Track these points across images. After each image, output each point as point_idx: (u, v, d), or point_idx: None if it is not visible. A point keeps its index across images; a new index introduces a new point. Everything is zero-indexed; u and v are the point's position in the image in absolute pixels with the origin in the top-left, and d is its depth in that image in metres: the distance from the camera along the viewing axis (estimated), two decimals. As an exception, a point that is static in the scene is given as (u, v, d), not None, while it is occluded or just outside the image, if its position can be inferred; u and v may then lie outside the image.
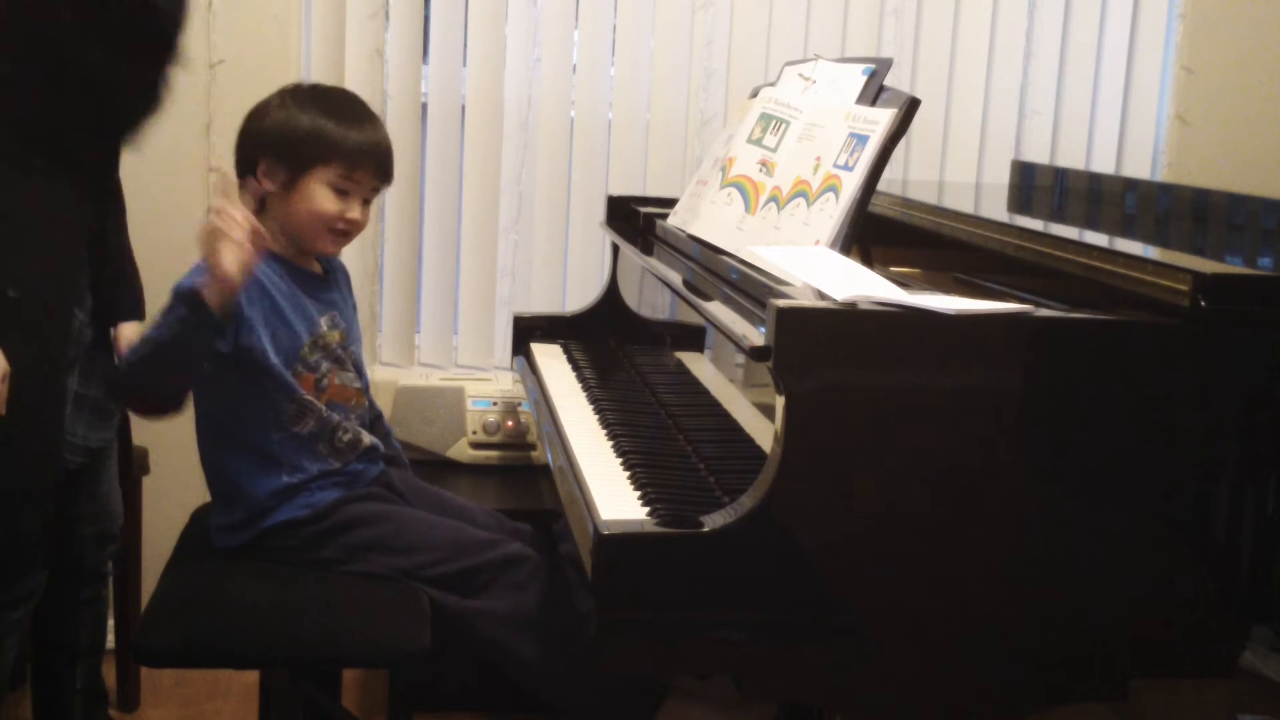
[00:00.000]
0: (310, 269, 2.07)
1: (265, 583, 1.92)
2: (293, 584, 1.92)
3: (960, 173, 3.11)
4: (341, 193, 2.01)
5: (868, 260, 1.98)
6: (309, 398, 1.99)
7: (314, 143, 1.99)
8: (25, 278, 1.85)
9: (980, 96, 3.09)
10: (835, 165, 1.86)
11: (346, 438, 2.03)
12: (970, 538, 1.50)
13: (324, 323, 2.04)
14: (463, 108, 2.97)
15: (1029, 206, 2.52)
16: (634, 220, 2.60)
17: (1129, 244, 1.90)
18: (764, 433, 1.66)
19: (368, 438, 2.08)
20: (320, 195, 2.00)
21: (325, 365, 2.02)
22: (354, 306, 2.18)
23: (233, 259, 1.79)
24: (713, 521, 1.45)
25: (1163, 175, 3.12)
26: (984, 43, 3.07)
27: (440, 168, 2.97)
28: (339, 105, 2.04)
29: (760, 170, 2.05)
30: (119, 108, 1.96)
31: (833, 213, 1.81)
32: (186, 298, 1.81)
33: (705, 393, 2.01)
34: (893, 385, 1.47)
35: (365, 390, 2.13)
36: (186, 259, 2.86)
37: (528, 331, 2.69)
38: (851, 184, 1.80)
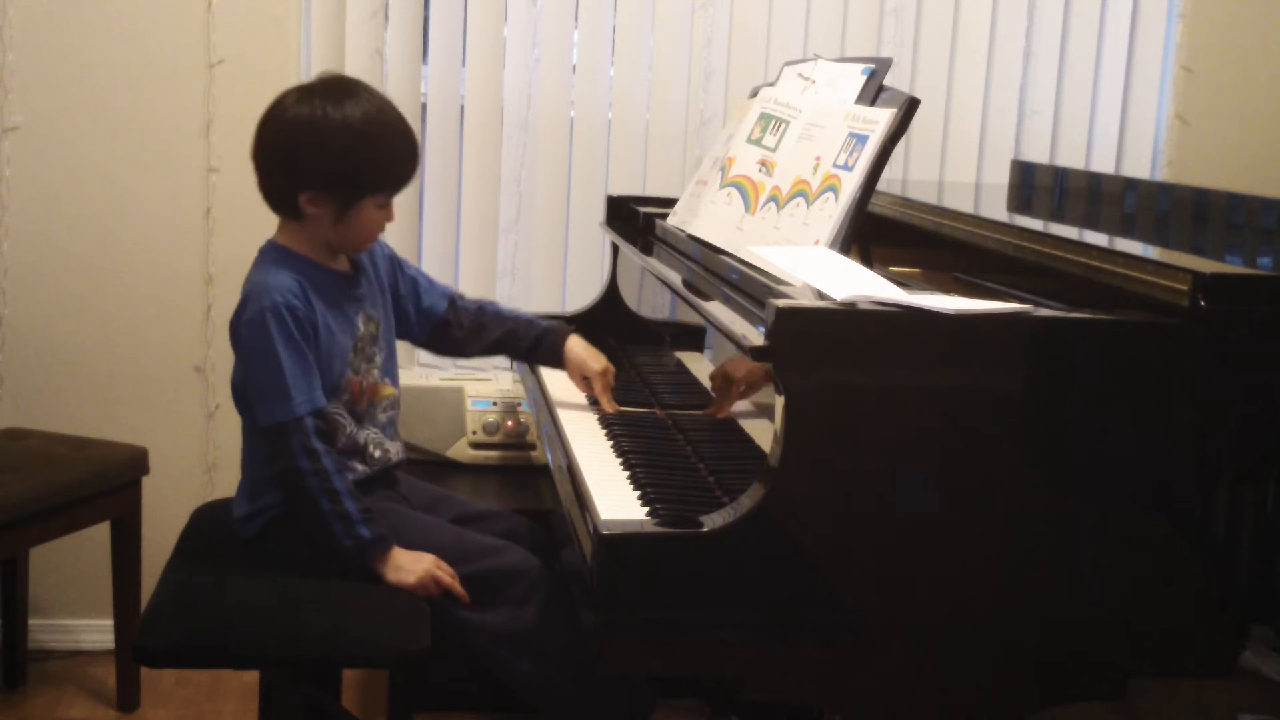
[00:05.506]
0: (341, 269, 2.03)
1: (265, 583, 1.91)
2: (293, 584, 1.91)
3: (960, 173, 3.10)
4: (384, 206, 1.98)
5: (868, 260, 1.98)
6: (341, 418, 1.97)
7: (369, 176, 1.94)
8: None
9: (980, 96, 3.09)
10: (835, 165, 1.85)
11: (377, 454, 2.03)
12: (970, 537, 1.50)
13: (360, 322, 2.02)
14: (462, 108, 2.97)
15: (1029, 206, 2.52)
16: (634, 220, 2.60)
17: (1129, 244, 1.89)
18: (764, 433, 1.66)
19: (395, 453, 2.07)
20: (372, 217, 1.97)
21: (364, 366, 2.01)
22: (384, 283, 2.11)
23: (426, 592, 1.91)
24: (713, 521, 1.45)
25: (1163, 175, 3.11)
26: (984, 43, 3.07)
27: (440, 168, 2.97)
28: (376, 119, 1.93)
29: (760, 170, 2.05)
30: None
31: (832, 213, 1.80)
32: (354, 555, 1.89)
33: (705, 393, 2.01)
34: (892, 385, 1.47)
35: (392, 360, 2.10)
36: (186, 259, 2.87)
37: (528, 331, 2.68)
38: (851, 184, 1.80)
